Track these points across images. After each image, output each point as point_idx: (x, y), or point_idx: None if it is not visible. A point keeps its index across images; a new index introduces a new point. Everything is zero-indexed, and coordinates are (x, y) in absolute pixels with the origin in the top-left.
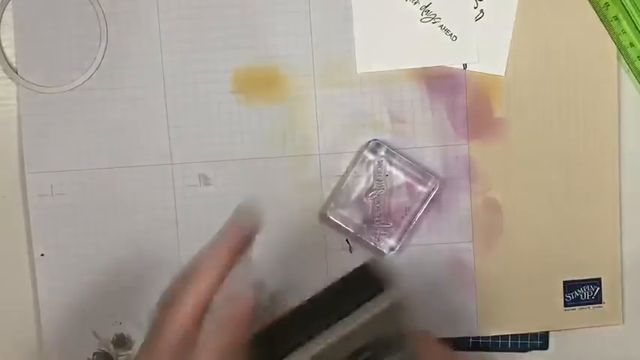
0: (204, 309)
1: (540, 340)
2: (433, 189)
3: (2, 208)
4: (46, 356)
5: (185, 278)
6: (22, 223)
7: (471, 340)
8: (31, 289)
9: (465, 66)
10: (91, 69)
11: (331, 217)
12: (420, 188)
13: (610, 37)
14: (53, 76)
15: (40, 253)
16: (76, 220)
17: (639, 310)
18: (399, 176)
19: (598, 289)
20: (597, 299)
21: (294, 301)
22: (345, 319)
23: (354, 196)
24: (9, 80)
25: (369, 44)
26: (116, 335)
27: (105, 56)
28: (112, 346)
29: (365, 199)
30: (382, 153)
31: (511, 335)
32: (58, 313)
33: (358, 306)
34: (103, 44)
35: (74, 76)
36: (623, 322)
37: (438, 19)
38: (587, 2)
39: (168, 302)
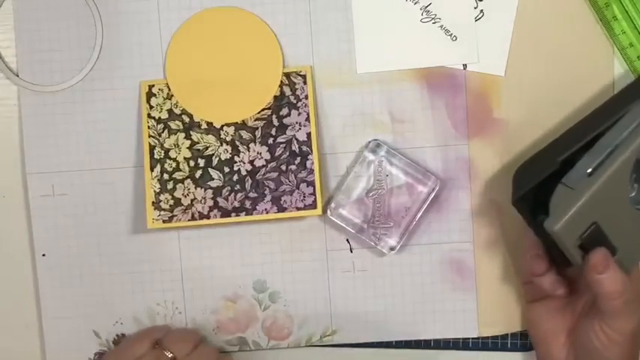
0: None
1: None
2: (433, 189)
3: (3, 208)
4: (47, 356)
5: None
6: (24, 223)
7: (471, 340)
8: (32, 289)
9: (464, 66)
10: (86, 68)
11: (332, 217)
12: (420, 188)
13: (609, 38)
14: (52, 75)
15: (41, 254)
16: (77, 221)
17: None
18: (399, 176)
19: None
20: None
21: (294, 300)
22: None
23: (354, 196)
24: (9, 80)
25: (369, 44)
26: (117, 335)
27: (101, 56)
28: (113, 346)
29: (365, 199)
30: (382, 153)
31: (511, 335)
32: (60, 313)
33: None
34: (99, 44)
35: (72, 75)
36: None
37: (438, 20)
38: (587, 2)
39: None
